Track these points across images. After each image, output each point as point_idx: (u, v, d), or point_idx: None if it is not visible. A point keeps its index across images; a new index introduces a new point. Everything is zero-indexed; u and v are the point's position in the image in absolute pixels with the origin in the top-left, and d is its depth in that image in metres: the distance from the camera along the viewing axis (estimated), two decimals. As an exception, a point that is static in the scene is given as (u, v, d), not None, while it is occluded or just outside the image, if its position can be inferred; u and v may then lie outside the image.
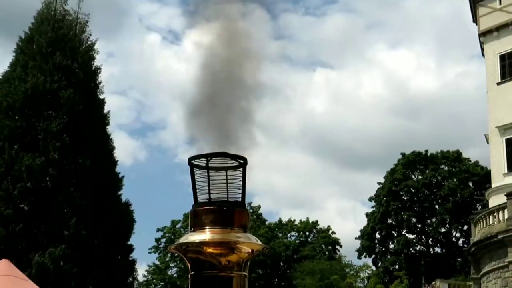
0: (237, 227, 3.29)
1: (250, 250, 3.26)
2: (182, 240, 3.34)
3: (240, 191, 3.40)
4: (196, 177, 3.40)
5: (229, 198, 3.37)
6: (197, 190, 3.40)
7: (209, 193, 3.36)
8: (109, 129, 34.60)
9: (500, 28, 36.05)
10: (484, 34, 37.04)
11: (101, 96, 34.78)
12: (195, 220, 3.34)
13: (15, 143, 30.78)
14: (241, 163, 3.40)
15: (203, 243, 3.21)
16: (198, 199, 3.38)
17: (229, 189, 3.39)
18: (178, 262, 55.73)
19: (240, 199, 3.39)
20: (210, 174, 3.38)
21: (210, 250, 3.22)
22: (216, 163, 3.40)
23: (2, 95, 32.29)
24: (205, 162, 3.37)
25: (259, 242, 3.33)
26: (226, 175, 3.40)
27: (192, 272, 3.28)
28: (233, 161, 3.39)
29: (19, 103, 31.56)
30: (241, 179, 3.41)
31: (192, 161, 3.40)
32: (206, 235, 3.23)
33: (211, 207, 3.31)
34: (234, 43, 3.68)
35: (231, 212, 3.32)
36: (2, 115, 31.76)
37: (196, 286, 3.27)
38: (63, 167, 30.65)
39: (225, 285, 3.24)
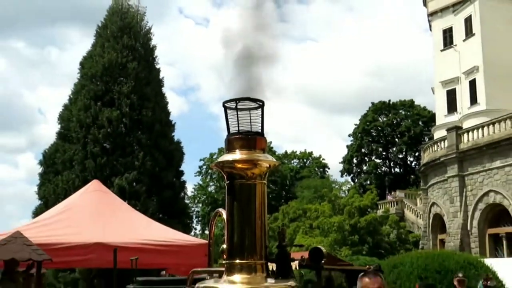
0: (258, 149, 3.31)
1: (268, 165, 3.29)
2: (220, 159, 3.38)
3: (260, 125, 3.41)
4: (228, 116, 3.41)
5: (252, 130, 3.39)
6: (230, 125, 3.42)
7: (238, 127, 3.37)
8: (164, 89, 34.80)
9: (444, 9, 35.55)
10: (432, 14, 36.51)
11: (157, 66, 34.98)
12: (229, 145, 3.36)
13: (98, 101, 31.04)
14: (260, 104, 3.41)
15: (235, 161, 3.24)
16: (231, 131, 3.41)
17: (252, 123, 3.39)
18: (215, 181, 56.20)
19: (260, 130, 3.41)
20: (238, 113, 3.40)
21: (239, 165, 3.25)
22: (242, 105, 3.41)
23: (87, 67, 32.50)
24: (235, 104, 3.39)
25: (274, 160, 3.36)
26: (250, 114, 3.41)
27: (228, 182, 3.33)
28: (255, 103, 3.40)
29: (99, 73, 31.73)
30: (260, 116, 3.43)
31: (225, 104, 3.42)
32: (236, 155, 3.25)
33: (240, 136, 3.34)
34: (251, 23, 3.67)
35: (254, 139, 3.34)
36: (88, 82, 32.02)
37: (231, 191, 3.32)
38: (133, 117, 30.94)
39: (251, 190, 3.28)
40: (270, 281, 3.21)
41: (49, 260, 6.26)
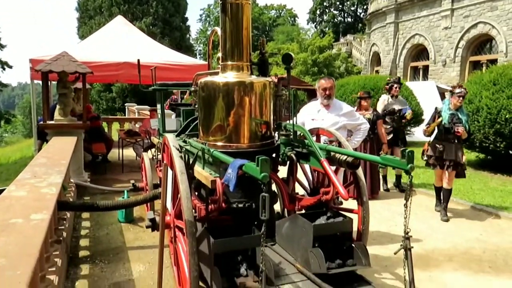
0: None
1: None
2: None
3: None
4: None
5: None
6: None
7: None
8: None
9: None
10: None
11: None
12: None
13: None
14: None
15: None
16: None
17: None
18: (213, 26, 53.82)
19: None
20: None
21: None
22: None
23: None
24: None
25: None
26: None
27: (221, 2, 3.09)
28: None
29: None
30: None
31: None
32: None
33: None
34: None
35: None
36: None
37: (223, 10, 3.10)
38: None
39: (239, 8, 3.06)
40: (254, 77, 3.18)
41: (90, 73, 6.14)
